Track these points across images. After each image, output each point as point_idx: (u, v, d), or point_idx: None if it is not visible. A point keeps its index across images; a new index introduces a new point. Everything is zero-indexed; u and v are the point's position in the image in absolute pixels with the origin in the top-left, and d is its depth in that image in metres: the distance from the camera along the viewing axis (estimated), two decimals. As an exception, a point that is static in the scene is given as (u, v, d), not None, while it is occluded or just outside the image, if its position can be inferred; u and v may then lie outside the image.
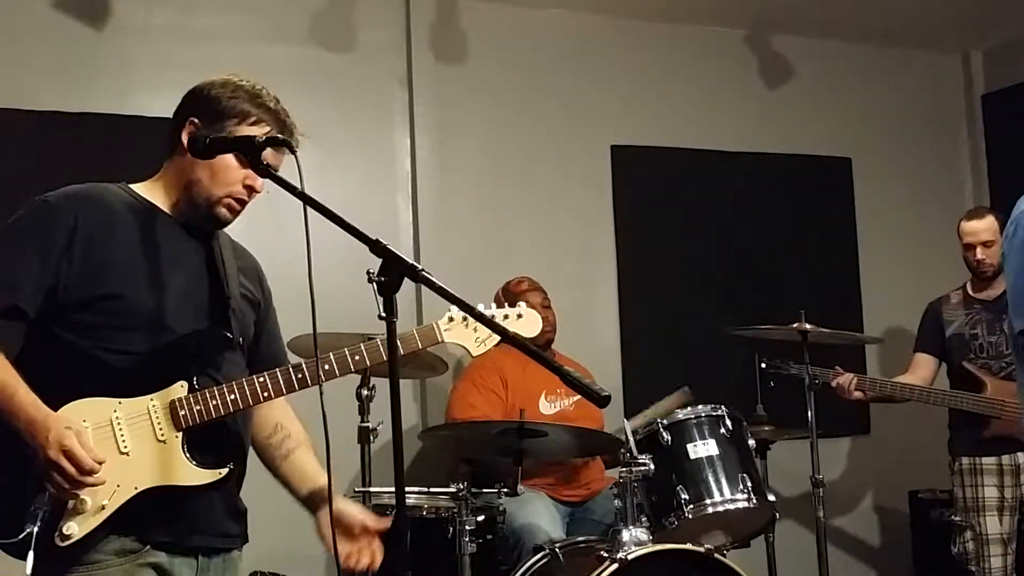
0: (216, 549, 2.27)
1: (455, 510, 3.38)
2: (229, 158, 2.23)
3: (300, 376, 2.26)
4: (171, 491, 2.16)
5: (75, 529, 2.07)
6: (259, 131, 2.22)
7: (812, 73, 5.69)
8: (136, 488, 2.13)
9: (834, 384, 4.37)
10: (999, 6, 5.43)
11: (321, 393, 2.17)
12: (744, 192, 5.49)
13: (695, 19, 5.40)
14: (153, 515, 2.15)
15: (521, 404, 4.18)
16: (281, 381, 2.26)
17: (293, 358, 2.45)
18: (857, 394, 4.37)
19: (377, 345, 2.29)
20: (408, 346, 2.37)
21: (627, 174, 5.28)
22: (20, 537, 2.03)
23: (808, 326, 4.30)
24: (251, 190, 2.27)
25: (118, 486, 2.12)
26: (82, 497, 2.07)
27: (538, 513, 3.89)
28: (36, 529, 2.03)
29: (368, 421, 3.37)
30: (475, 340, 2.48)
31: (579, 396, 4.11)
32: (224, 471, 2.22)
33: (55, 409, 2.08)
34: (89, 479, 2.05)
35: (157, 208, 2.29)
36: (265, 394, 2.25)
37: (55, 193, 2.24)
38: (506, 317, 2.55)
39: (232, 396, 2.21)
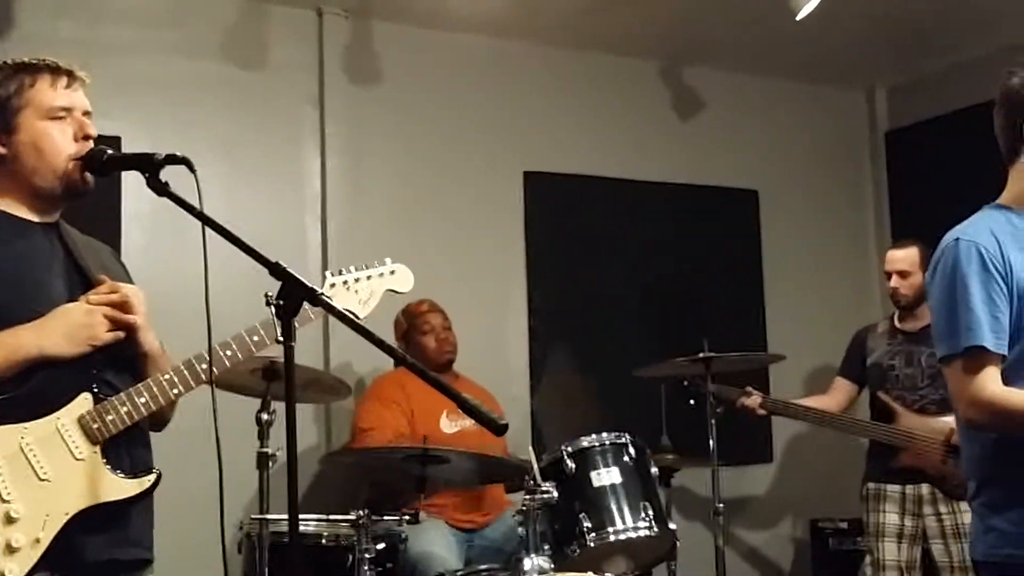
0: (145, 561, 2.22)
1: (355, 537, 3.33)
2: (43, 125, 2.17)
3: (205, 367, 2.20)
4: (102, 508, 2.09)
5: (16, 570, 1.97)
6: (47, 89, 2.18)
7: (722, 106, 5.78)
8: (67, 514, 2.05)
9: (738, 404, 4.48)
10: (904, 45, 5.58)
11: (215, 417, 2.11)
12: (655, 221, 5.55)
13: (609, 49, 5.45)
14: (87, 537, 2.07)
15: (423, 422, 4.18)
16: (188, 374, 2.19)
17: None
18: (761, 412, 4.52)
19: (272, 323, 2.13)
20: (303, 320, 2.21)
21: (539, 200, 5.30)
22: None
23: (712, 354, 4.37)
24: (88, 138, 2.20)
25: (47, 516, 2.03)
26: (15, 535, 1.98)
27: (434, 541, 3.85)
28: None
29: (267, 446, 3.31)
30: (358, 302, 2.50)
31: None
32: (152, 477, 2.17)
33: None
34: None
35: (7, 213, 2.19)
36: (175, 391, 2.18)
37: None
38: (380, 275, 2.57)
39: (142, 399, 2.14)
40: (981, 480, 2.35)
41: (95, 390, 2.13)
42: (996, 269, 2.28)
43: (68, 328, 2.10)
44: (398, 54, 5.03)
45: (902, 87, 6.10)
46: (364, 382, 4.63)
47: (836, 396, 4.65)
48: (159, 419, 2.33)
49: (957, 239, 2.34)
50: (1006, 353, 2.28)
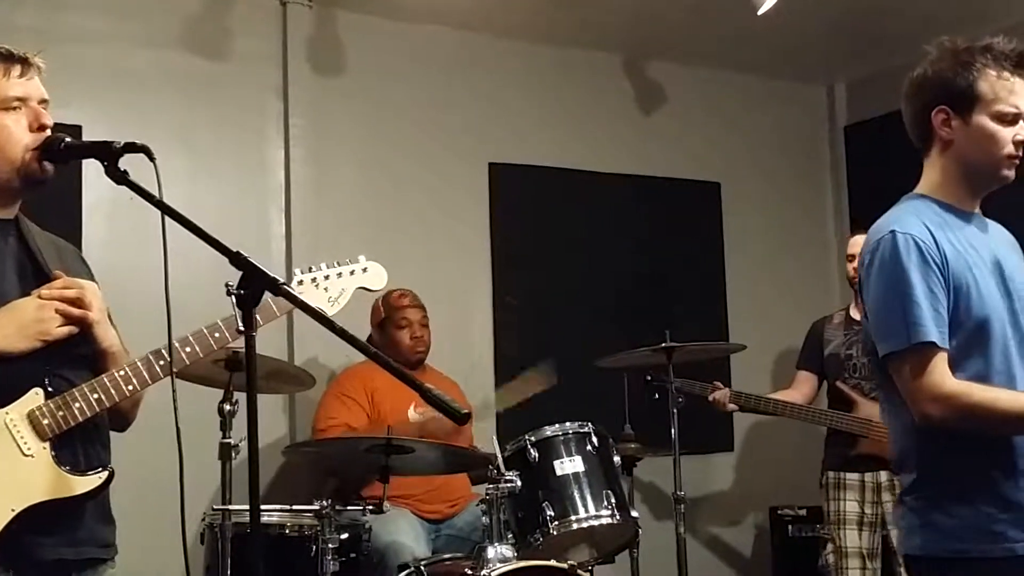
0: (99, 560, 2.18)
1: (318, 528, 3.33)
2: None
3: (163, 363, 2.16)
4: (49, 506, 2.05)
5: None
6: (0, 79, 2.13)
7: (685, 100, 5.82)
8: (13, 510, 2.00)
9: (711, 399, 4.51)
10: (862, 41, 5.64)
11: (176, 407, 2.09)
12: (618, 213, 5.58)
13: (573, 42, 5.47)
14: (34, 535, 2.04)
15: (390, 415, 4.17)
16: (144, 371, 2.15)
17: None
18: (732, 407, 4.55)
19: (234, 319, 2.05)
20: (267, 316, 2.27)
21: (504, 192, 5.31)
22: None
23: (674, 344, 4.40)
24: (44, 128, 2.15)
25: None
26: None
27: (402, 531, 3.86)
28: None
29: (230, 437, 3.30)
30: (328, 300, 2.49)
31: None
32: (104, 474, 2.13)
33: None
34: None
35: None
36: (130, 387, 2.13)
37: None
38: (352, 273, 2.56)
39: (96, 395, 2.10)
40: (921, 474, 2.22)
41: (48, 386, 2.09)
42: (934, 261, 2.19)
43: (19, 323, 2.06)
44: (363, 45, 5.02)
45: (861, 82, 6.16)
46: (330, 371, 4.63)
47: (801, 389, 4.70)
48: (120, 419, 2.29)
49: (893, 231, 2.23)
50: (947, 347, 2.17)
